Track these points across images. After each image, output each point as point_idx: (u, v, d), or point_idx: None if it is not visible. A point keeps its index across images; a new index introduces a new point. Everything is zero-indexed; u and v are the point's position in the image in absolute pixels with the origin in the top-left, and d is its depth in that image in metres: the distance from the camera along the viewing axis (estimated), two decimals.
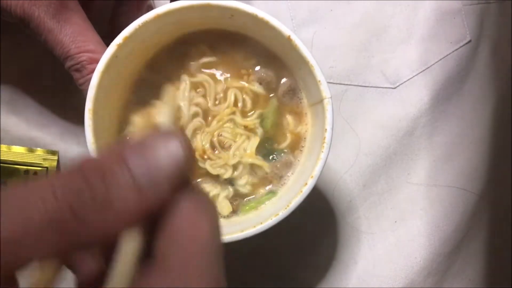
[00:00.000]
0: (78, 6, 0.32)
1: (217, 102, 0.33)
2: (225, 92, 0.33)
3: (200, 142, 0.33)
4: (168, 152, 0.17)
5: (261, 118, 0.33)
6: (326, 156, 0.29)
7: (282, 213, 0.29)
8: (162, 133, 0.18)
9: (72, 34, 0.31)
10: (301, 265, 0.41)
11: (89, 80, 0.30)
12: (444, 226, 0.42)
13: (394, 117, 0.43)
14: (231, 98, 0.33)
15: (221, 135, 0.33)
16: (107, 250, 0.18)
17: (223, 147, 0.33)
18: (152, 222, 0.17)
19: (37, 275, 0.16)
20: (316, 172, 0.29)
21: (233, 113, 0.33)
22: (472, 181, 0.43)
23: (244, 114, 0.33)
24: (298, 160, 0.34)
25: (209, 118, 0.33)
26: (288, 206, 0.29)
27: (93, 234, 0.16)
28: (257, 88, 0.33)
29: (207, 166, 0.32)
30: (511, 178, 0.45)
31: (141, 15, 0.29)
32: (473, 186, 0.43)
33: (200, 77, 0.33)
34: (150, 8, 0.39)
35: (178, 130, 0.18)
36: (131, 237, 0.16)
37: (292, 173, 0.33)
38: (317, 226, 0.42)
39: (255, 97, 0.34)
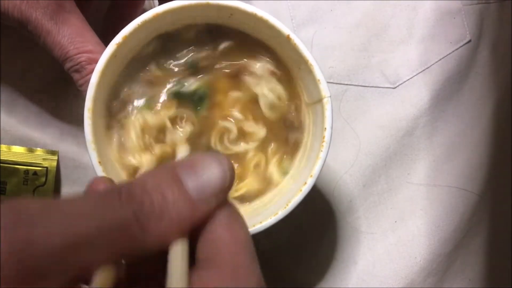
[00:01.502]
0: (75, 7, 0.32)
1: None
2: None
3: None
4: (217, 172, 0.19)
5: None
6: (326, 156, 0.29)
7: (282, 213, 0.29)
8: (211, 155, 0.20)
9: (70, 35, 0.31)
10: (301, 265, 0.41)
11: (88, 81, 0.30)
12: (444, 226, 0.42)
13: (394, 117, 0.43)
14: None
15: None
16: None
17: None
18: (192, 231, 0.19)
19: (100, 280, 0.17)
20: (315, 171, 0.29)
21: None
22: (472, 181, 0.43)
23: None
24: (298, 160, 0.34)
25: None
26: (287, 205, 0.29)
27: (151, 241, 0.18)
28: None
29: None
30: (511, 178, 0.45)
31: (136, 16, 0.29)
32: (473, 186, 0.43)
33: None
34: (145, 10, 0.39)
35: (224, 155, 0.21)
36: (181, 244, 0.18)
37: (291, 172, 0.33)
38: (317, 226, 0.42)
39: None
